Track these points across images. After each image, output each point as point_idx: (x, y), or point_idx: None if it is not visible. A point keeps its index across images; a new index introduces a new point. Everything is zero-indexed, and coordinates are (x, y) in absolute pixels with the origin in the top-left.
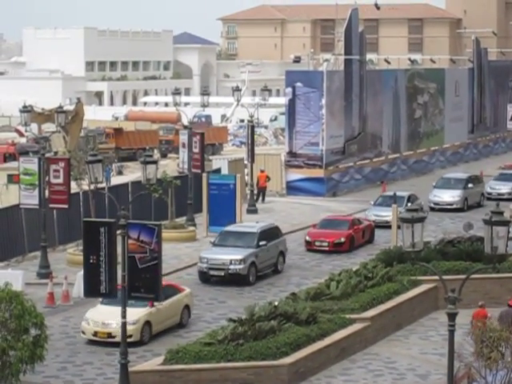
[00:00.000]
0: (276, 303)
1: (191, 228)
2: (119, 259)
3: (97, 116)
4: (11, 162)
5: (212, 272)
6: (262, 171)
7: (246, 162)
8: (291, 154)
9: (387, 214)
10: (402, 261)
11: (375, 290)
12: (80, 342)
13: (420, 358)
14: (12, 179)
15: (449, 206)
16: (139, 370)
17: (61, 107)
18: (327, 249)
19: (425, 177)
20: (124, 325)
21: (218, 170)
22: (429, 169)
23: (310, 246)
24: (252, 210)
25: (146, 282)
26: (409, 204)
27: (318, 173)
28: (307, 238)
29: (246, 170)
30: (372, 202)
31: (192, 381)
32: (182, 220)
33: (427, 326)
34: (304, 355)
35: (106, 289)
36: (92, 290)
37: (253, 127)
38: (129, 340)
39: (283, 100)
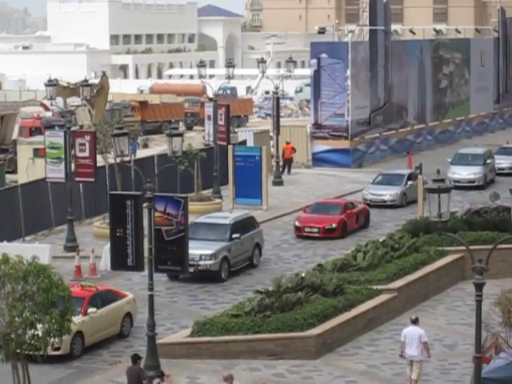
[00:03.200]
0: (303, 274)
1: (217, 200)
2: (146, 232)
3: (122, 89)
4: (37, 136)
5: None
6: (288, 143)
7: (271, 133)
8: (317, 125)
9: (385, 193)
10: (429, 231)
11: (402, 260)
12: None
13: (447, 329)
14: (38, 153)
15: (470, 184)
16: (167, 342)
17: (86, 81)
18: (317, 235)
19: (450, 147)
20: (151, 297)
21: (244, 142)
22: (454, 139)
23: (299, 232)
24: (278, 182)
25: (172, 254)
26: (409, 183)
27: (344, 144)
28: (296, 223)
29: (271, 142)
30: (370, 180)
31: (219, 353)
32: (208, 192)
33: (454, 297)
34: (331, 326)
35: (132, 261)
36: (119, 262)
37: (278, 99)
38: (56, 353)
39: (308, 71)
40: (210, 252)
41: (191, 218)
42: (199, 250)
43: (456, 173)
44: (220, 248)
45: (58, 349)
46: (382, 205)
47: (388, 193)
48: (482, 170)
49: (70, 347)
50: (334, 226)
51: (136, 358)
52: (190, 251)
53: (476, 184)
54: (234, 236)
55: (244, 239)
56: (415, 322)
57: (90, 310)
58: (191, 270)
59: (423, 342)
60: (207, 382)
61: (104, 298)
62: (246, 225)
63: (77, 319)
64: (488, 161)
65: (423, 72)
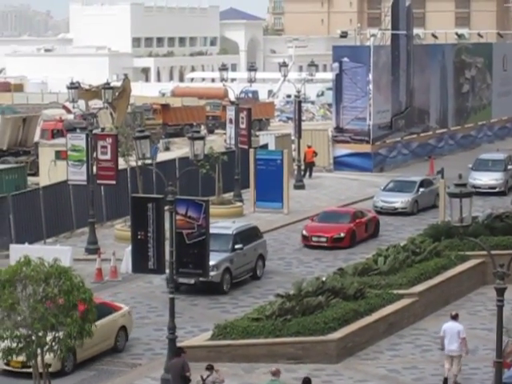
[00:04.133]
0: (324, 278)
1: (238, 203)
2: (167, 235)
3: (144, 92)
4: (59, 139)
5: (181, 279)
6: (309, 146)
7: (293, 137)
8: (338, 129)
9: (396, 201)
10: (450, 236)
11: (423, 265)
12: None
13: (468, 333)
14: (60, 155)
15: (491, 190)
16: (187, 345)
17: (108, 83)
18: (326, 244)
19: (472, 151)
20: (172, 300)
21: (265, 146)
22: (476, 143)
23: (306, 242)
24: (299, 186)
25: (193, 257)
26: (421, 190)
27: (365, 148)
28: (304, 232)
29: (293, 146)
30: (382, 187)
31: (239, 356)
32: (229, 196)
33: (475, 301)
34: (352, 330)
35: (154, 264)
36: (140, 265)
37: (300, 102)
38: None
39: (330, 75)
40: (211, 263)
41: (213, 222)
42: None
43: (477, 179)
44: (222, 259)
45: (48, 365)
46: (393, 212)
47: (399, 200)
48: (503, 176)
49: (61, 364)
50: (342, 235)
51: (180, 351)
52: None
53: (497, 190)
54: (237, 247)
55: (247, 250)
56: (455, 317)
57: None
58: (192, 281)
59: (461, 337)
60: None
61: (97, 312)
62: (249, 235)
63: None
64: (509, 166)
65: (445, 76)
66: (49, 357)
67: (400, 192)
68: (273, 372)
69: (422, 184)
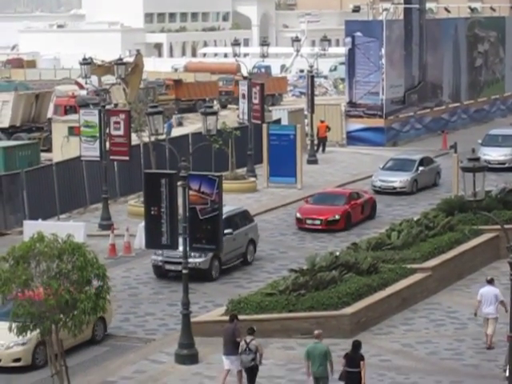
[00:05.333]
0: (337, 253)
1: (252, 179)
2: (180, 210)
3: (156, 67)
4: (72, 115)
5: (168, 266)
6: (322, 121)
7: (306, 112)
8: (351, 103)
9: (396, 180)
10: (464, 210)
11: (436, 239)
12: (142, 293)
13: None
14: (73, 131)
15: (500, 165)
16: (201, 320)
17: (120, 59)
18: (320, 227)
19: (485, 125)
20: (186, 275)
21: (278, 121)
22: (489, 117)
23: (300, 224)
24: (312, 161)
25: (207, 233)
26: (420, 168)
27: (378, 122)
28: (298, 214)
29: (306, 121)
30: (380, 166)
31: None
32: (242, 171)
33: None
34: (365, 305)
35: (167, 240)
36: (154, 241)
37: (313, 77)
38: (16, 364)
39: (343, 50)
40: None
41: (226, 197)
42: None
43: (486, 154)
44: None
45: (18, 360)
46: (392, 192)
47: (398, 179)
48: None
49: (32, 358)
50: (337, 217)
51: (233, 317)
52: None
53: (507, 165)
54: (226, 231)
55: (237, 235)
56: (491, 282)
57: None
58: (179, 268)
59: (500, 300)
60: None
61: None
62: (239, 219)
63: None
64: None
65: (458, 50)
66: (17, 350)
67: (399, 171)
68: (316, 335)
69: (422, 162)
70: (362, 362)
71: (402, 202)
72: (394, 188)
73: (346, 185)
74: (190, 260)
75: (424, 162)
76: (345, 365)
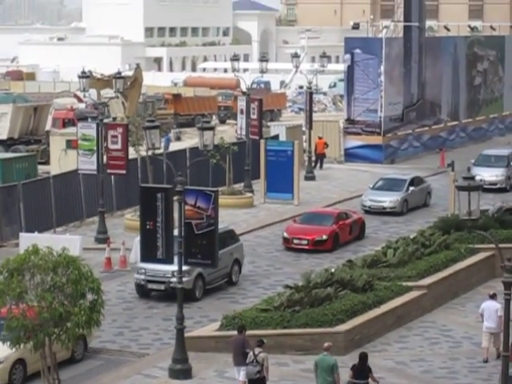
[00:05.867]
0: (332, 270)
1: (249, 194)
2: (176, 225)
3: (156, 82)
4: (70, 128)
5: (150, 285)
6: (320, 138)
7: (304, 128)
8: (349, 120)
9: (385, 200)
10: (460, 229)
11: (432, 257)
12: (137, 307)
13: (476, 327)
14: (70, 144)
15: (492, 186)
16: (195, 335)
17: (119, 73)
18: (307, 247)
19: (483, 144)
20: (181, 290)
21: (276, 137)
22: (488, 136)
23: (287, 244)
24: (310, 177)
25: (202, 248)
26: (411, 188)
27: (377, 140)
28: (285, 234)
29: (304, 137)
30: (370, 186)
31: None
32: (239, 186)
33: (484, 295)
34: (360, 322)
35: (162, 254)
36: (149, 255)
37: (311, 94)
38: None
39: (342, 66)
40: (183, 268)
41: (222, 212)
42: (171, 266)
43: (478, 174)
44: None
45: None
46: (382, 212)
47: (388, 199)
48: (505, 172)
49: (9, 376)
50: (324, 237)
51: (242, 329)
52: (161, 267)
53: (498, 186)
54: None
55: (222, 254)
56: (493, 296)
57: None
58: (162, 287)
59: (499, 315)
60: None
61: None
62: (224, 238)
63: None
64: None
65: (457, 69)
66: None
67: (389, 191)
68: (325, 347)
69: (413, 182)
70: (370, 374)
71: (398, 219)
72: (384, 208)
73: (344, 202)
74: (174, 280)
75: (415, 181)
76: (352, 376)
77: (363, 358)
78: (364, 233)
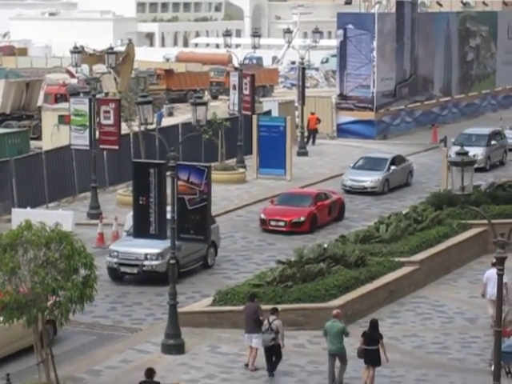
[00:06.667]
0: (325, 245)
1: (241, 170)
2: (169, 201)
3: (148, 57)
4: (62, 103)
5: (123, 269)
6: (313, 113)
7: (296, 104)
8: (342, 96)
9: (366, 179)
10: (452, 204)
11: (425, 233)
12: (130, 283)
13: (469, 302)
14: (63, 120)
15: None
16: (188, 310)
17: (111, 48)
18: (284, 229)
19: (476, 120)
20: (174, 265)
21: (269, 112)
22: (480, 112)
23: (265, 226)
24: (302, 153)
25: (195, 223)
26: (392, 167)
27: (369, 115)
28: (262, 215)
29: (296, 112)
30: (351, 165)
31: (241, 322)
32: (232, 162)
33: (476, 270)
34: (352, 298)
35: (155, 230)
36: (141, 230)
37: (304, 69)
38: None
39: (334, 42)
40: (156, 251)
41: (215, 188)
42: (144, 249)
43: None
44: (168, 246)
45: None
46: (363, 191)
47: (369, 179)
48: (485, 152)
49: None
50: (302, 219)
51: (253, 297)
52: (134, 250)
53: (476, 166)
54: None
55: None
56: (495, 264)
57: None
58: (135, 270)
59: (504, 282)
60: (228, 351)
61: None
62: None
63: None
64: (493, 142)
65: (449, 44)
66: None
67: (370, 170)
68: (334, 314)
69: (394, 161)
70: (381, 340)
71: (391, 194)
72: (365, 188)
73: (336, 177)
74: (146, 263)
75: (396, 160)
76: (363, 343)
77: (374, 324)
78: (344, 214)
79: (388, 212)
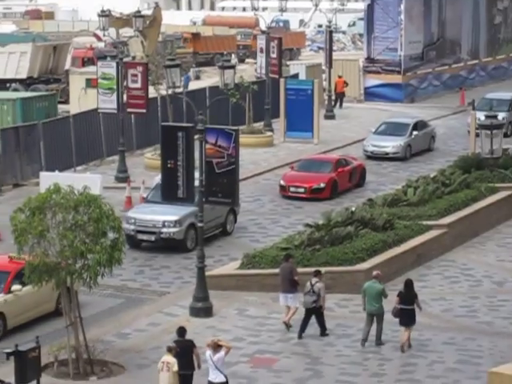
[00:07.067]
0: (353, 209)
1: (268, 133)
2: (197, 164)
3: (175, 21)
4: (89, 67)
5: (140, 236)
6: (340, 77)
7: (323, 67)
8: (369, 59)
9: (388, 145)
10: (480, 167)
11: (453, 196)
12: (158, 246)
13: (496, 265)
14: (90, 83)
15: None
16: (216, 274)
17: (139, 12)
18: (304, 195)
19: (503, 83)
20: (201, 228)
21: (296, 76)
22: (508, 75)
23: (284, 192)
24: (329, 116)
25: (223, 186)
26: (414, 133)
27: (396, 79)
28: (281, 182)
29: (323, 76)
30: (372, 130)
31: (268, 285)
32: (259, 125)
33: (504, 233)
34: (380, 261)
35: (183, 193)
36: (170, 194)
37: (331, 32)
38: None
39: (362, 5)
40: (174, 218)
41: (243, 151)
42: (162, 216)
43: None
44: (186, 214)
45: None
46: (385, 157)
47: (391, 144)
48: (506, 116)
49: None
50: (322, 185)
51: (288, 257)
52: (152, 217)
53: None
54: None
55: None
56: None
57: (15, 287)
58: (152, 238)
59: None
60: (256, 314)
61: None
62: None
63: None
64: None
65: (477, 7)
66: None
67: (392, 135)
68: (374, 275)
69: (416, 126)
70: (416, 300)
71: (418, 157)
72: (387, 153)
73: (362, 141)
74: (164, 230)
75: (418, 125)
76: (398, 302)
77: (409, 284)
78: (365, 180)
79: (416, 175)
